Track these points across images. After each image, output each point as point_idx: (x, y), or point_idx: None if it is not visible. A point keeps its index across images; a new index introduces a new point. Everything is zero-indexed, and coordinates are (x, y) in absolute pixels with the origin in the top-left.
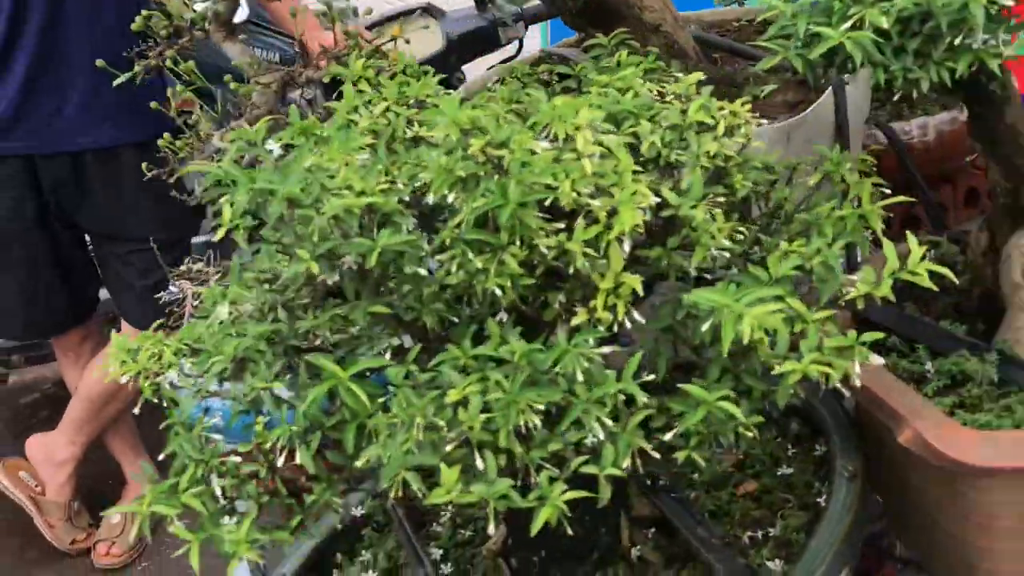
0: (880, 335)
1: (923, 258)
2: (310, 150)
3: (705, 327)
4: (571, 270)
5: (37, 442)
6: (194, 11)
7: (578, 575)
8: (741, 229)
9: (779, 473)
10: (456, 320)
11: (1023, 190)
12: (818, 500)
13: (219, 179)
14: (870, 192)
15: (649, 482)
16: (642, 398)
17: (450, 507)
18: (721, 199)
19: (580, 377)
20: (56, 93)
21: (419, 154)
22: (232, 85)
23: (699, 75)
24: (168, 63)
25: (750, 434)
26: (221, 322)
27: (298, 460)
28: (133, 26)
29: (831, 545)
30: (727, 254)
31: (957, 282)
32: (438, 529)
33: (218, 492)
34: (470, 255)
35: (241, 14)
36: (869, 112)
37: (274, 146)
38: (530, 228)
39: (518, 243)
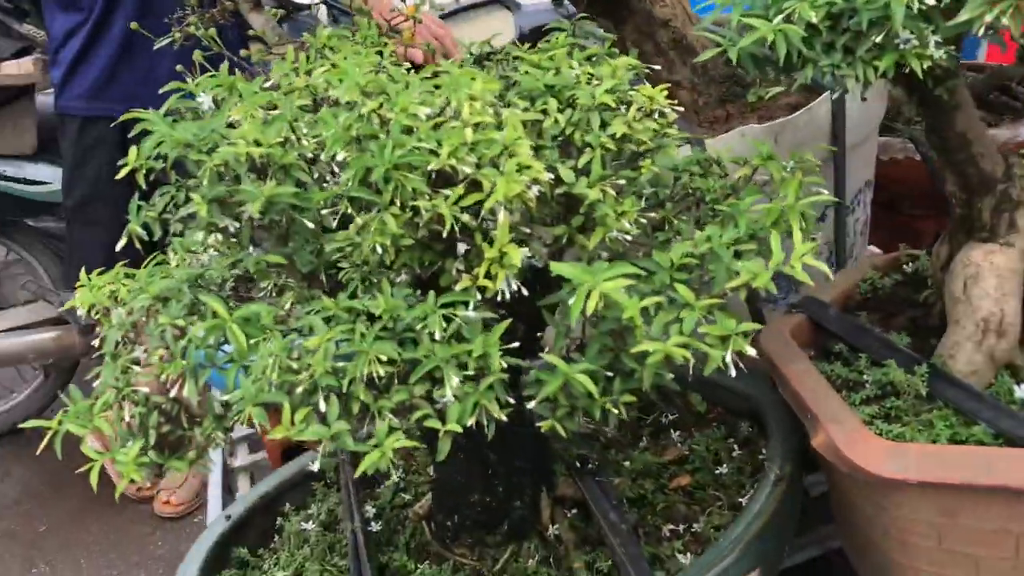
0: (757, 326)
1: (806, 253)
2: (234, 104)
3: (572, 301)
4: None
5: None
6: None
7: (488, 543)
8: (652, 214)
9: (717, 472)
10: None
11: (975, 201)
12: (740, 500)
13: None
14: (797, 190)
15: (578, 464)
16: (498, 363)
17: (395, 472)
18: (622, 182)
19: (437, 335)
20: (149, 55)
21: (323, 114)
22: (243, 52)
23: (628, 60)
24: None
25: (616, 412)
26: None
27: (184, 393)
28: None
29: (738, 543)
30: (628, 237)
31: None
32: (381, 491)
33: (127, 417)
34: (351, 211)
35: None
36: (908, 125)
37: (205, 98)
38: (407, 190)
39: (399, 204)
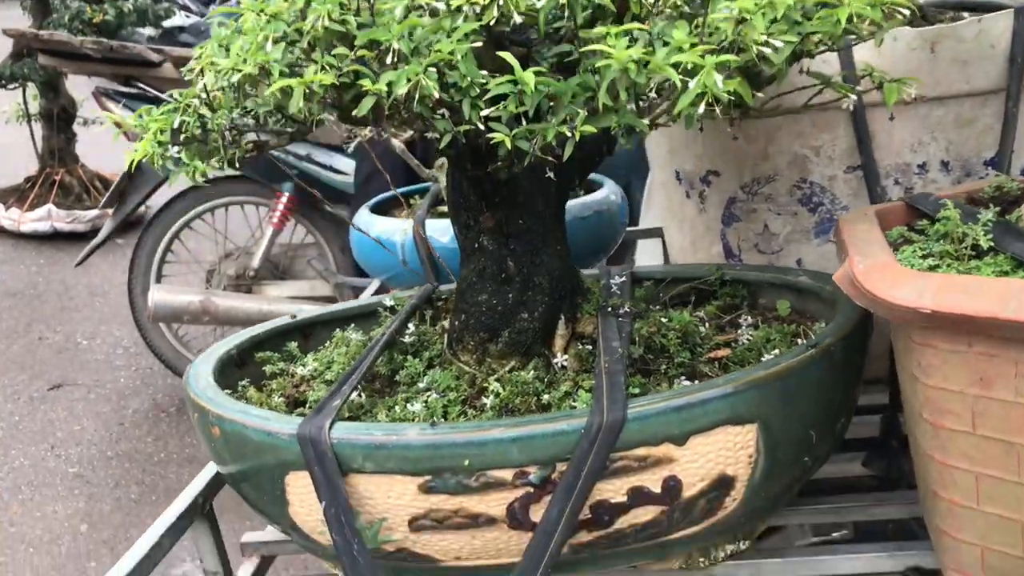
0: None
1: None
2: None
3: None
4: None
5: None
6: None
7: (490, 352)
8: None
9: (763, 356)
10: None
11: None
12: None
13: None
14: None
15: (609, 309)
16: (447, 48)
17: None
18: None
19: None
20: None
21: None
22: None
23: None
24: None
25: (569, 134)
26: None
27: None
28: None
29: (731, 380)
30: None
31: None
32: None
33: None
34: None
35: None
36: None
37: None
38: None
39: None
